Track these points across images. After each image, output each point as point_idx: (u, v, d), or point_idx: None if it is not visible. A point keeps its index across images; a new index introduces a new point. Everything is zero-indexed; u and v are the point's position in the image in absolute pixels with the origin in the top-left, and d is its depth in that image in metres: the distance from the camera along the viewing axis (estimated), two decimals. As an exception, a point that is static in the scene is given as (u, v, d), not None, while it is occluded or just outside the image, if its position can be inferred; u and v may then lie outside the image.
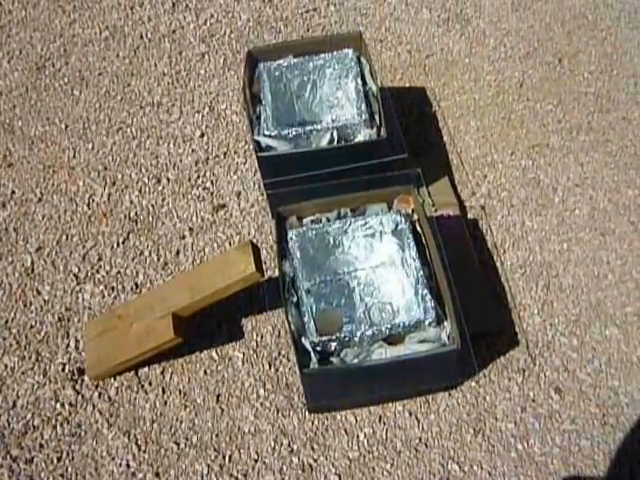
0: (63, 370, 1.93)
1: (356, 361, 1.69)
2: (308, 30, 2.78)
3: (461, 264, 2.02)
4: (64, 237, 2.19)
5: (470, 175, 2.37)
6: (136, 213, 2.25)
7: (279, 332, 2.01)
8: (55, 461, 1.79)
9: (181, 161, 2.38)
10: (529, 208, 2.30)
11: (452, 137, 2.47)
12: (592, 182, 2.37)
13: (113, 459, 1.80)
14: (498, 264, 2.16)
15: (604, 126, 2.53)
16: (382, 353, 1.70)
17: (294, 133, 2.00)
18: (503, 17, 2.85)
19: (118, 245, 2.18)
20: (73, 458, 1.80)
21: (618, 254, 2.20)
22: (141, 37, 2.75)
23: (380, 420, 1.88)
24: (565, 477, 1.80)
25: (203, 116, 2.50)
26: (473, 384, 1.94)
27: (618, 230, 2.26)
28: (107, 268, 2.13)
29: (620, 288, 2.13)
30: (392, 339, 1.72)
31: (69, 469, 1.79)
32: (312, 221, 1.93)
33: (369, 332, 1.70)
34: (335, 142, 2.03)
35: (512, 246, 2.21)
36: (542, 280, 2.15)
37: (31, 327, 2.01)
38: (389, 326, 1.71)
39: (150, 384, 1.92)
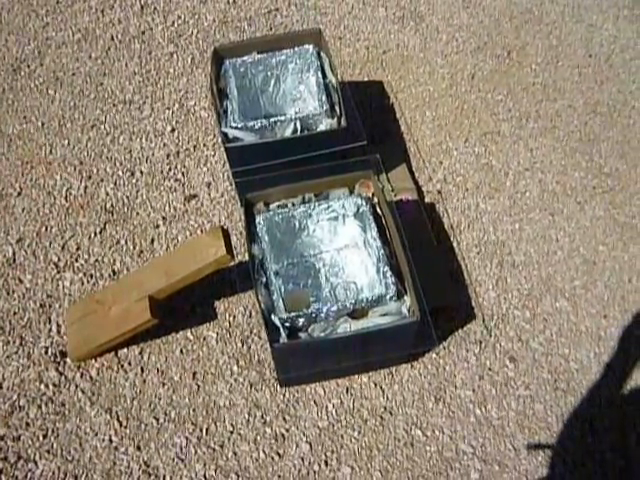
0: (46, 353, 1.94)
1: (323, 335, 1.72)
2: (271, 29, 2.80)
3: (420, 244, 2.06)
4: (43, 228, 2.19)
5: (427, 162, 2.41)
6: (112, 204, 2.26)
7: (250, 312, 2.04)
8: (41, 438, 1.81)
9: (153, 155, 2.39)
10: (482, 191, 2.35)
11: (409, 127, 2.51)
12: (541, 166, 2.43)
13: (96, 435, 1.82)
14: (455, 244, 2.21)
15: (551, 114, 2.59)
16: (347, 327, 1.73)
17: (259, 124, 2.02)
18: (455, 13, 2.90)
19: (95, 235, 2.19)
20: (58, 435, 1.82)
21: (566, 232, 2.27)
22: (112, 39, 2.75)
23: (347, 391, 1.92)
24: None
25: (173, 112, 2.52)
26: (434, 355, 1.99)
27: (566, 210, 2.32)
28: (85, 257, 2.14)
29: (568, 263, 2.20)
30: (356, 314, 1.75)
31: (54, 445, 1.80)
32: (278, 206, 1.95)
33: (334, 308, 1.72)
34: (298, 132, 2.06)
35: (467, 227, 2.26)
36: (496, 258, 2.20)
37: (14, 313, 2.01)
38: (353, 301, 1.74)
39: (129, 364, 1.94)
